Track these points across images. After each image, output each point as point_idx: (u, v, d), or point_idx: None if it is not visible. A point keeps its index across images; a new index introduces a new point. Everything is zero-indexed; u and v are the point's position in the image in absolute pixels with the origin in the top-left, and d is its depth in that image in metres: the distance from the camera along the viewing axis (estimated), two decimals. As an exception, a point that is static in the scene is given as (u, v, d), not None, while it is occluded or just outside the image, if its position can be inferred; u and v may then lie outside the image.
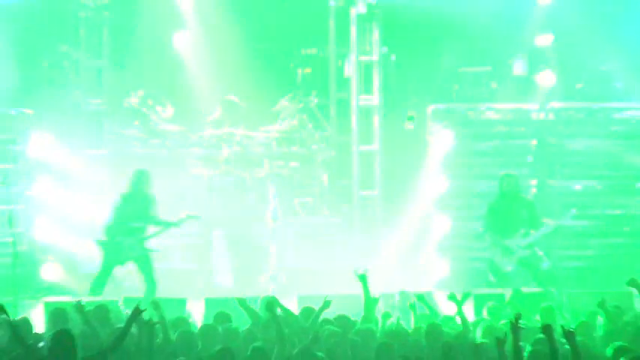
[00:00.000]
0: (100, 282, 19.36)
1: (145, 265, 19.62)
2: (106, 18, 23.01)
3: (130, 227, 19.66)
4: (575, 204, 21.17)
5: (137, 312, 12.64)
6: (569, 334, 12.46)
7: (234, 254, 22.07)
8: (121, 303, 17.61)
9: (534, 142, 22.26)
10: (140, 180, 19.96)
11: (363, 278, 15.27)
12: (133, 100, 23.10)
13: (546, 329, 12.78)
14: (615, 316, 15.49)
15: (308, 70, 23.83)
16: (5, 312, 13.08)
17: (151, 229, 19.60)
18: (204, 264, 22.21)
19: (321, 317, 14.70)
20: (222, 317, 14.82)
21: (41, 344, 13.31)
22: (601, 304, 15.58)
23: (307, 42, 23.86)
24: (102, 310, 15.52)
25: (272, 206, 21.44)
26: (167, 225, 19.75)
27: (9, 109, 22.22)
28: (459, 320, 15.03)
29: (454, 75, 23.14)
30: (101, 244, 19.56)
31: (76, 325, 14.65)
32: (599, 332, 15.09)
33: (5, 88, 22.26)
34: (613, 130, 22.40)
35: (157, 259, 20.49)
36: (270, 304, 14.77)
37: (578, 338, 13.69)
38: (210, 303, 17.30)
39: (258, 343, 13.33)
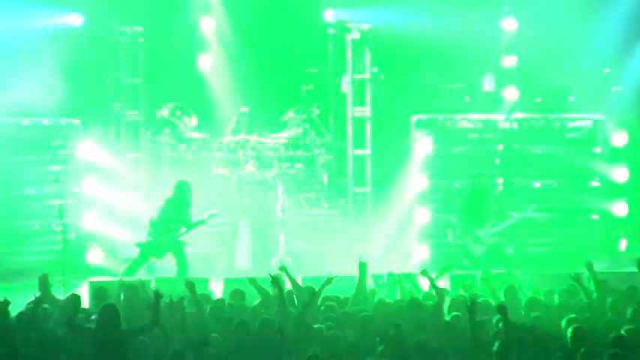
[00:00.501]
0: (134, 267, 19.54)
1: (179, 254, 19.78)
2: (141, 43, 23.26)
3: (169, 227, 19.78)
4: (535, 199, 21.61)
5: (158, 296, 12.90)
6: (501, 309, 12.67)
7: (251, 240, 22.18)
8: (153, 283, 17.50)
9: (500, 147, 22.50)
10: (182, 189, 20.09)
11: (363, 266, 15.37)
12: (164, 111, 23.39)
13: (501, 309, 12.91)
14: (601, 289, 15.55)
15: (311, 87, 24.04)
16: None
17: (183, 229, 19.73)
18: (225, 248, 22.34)
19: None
20: (237, 294, 15.10)
21: (93, 317, 13.64)
22: (577, 278, 15.58)
23: (310, 63, 24.15)
24: (133, 288, 15.76)
25: (281, 200, 21.81)
26: (196, 225, 19.90)
27: (59, 119, 22.50)
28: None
29: (434, 90, 23.29)
30: (140, 245, 19.78)
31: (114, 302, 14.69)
32: (555, 305, 15.15)
33: (56, 102, 22.28)
34: (567, 137, 22.66)
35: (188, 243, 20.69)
36: (282, 268, 15.52)
37: (536, 314, 14.19)
38: (228, 282, 17.38)
39: (266, 316, 13.55)
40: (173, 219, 19.96)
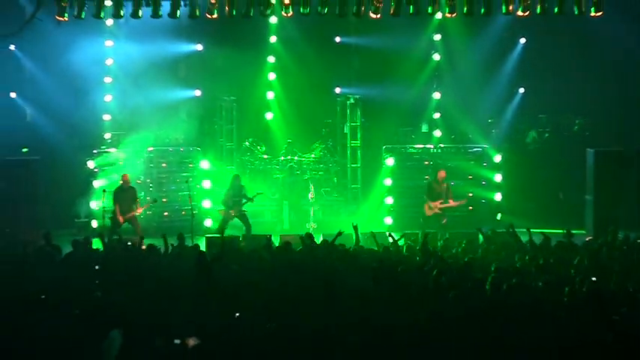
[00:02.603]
0: (221, 228, 19.74)
1: (244, 218, 20.11)
2: (235, 105, 23.49)
3: (233, 200, 20.13)
4: (452, 192, 21.33)
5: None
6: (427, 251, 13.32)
7: (293, 214, 22.40)
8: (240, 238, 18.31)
9: (432, 162, 22.72)
10: (234, 178, 20.55)
11: (355, 228, 16.05)
12: (247, 143, 23.85)
13: (424, 247, 13.92)
14: (488, 240, 16.31)
15: (327, 129, 24.34)
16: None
17: (243, 201, 20.13)
18: (277, 218, 22.62)
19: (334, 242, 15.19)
20: (287, 244, 15.45)
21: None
22: (479, 230, 16.73)
23: (327, 116, 24.25)
24: (229, 242, 16.62)
25: (311, 192, 22.15)
26: (251, 199, 20.22)
27: (190, 147, 22.86)
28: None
29: (395, 131, 23.64)
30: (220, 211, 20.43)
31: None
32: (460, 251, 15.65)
33: (188, 138, 23.16)
34: (468, 157, 22.81)
35: (256, 216, 21.27)
36: (309, 235, 15.93)
37: (449, 253, 15.07)
38: (282, 237, 17.91)
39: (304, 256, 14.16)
40: (233, 196, 20.15)
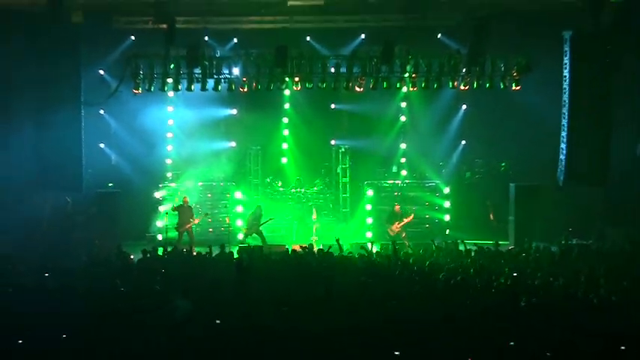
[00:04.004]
0: (244, 240, 20.22)
1: (260, 234, 20.39)
2: (260, 153, 23.57)
3: (253, 223, 20.44)
4: (416, 213, 21.58)
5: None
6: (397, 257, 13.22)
7: (301, 229, 22.25)
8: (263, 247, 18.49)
9: (400, 193, 22.71)
10: (258, 208, 20.93)
11: (338, 241, 16.17)
12: (268, 180, 23.71)
13: (394, 254, 13.82)
14: (439, 249, 16.46)
15: (325, 170, 24.13)
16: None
17: (260, 222, 20.42)
18: (288, 234, 22.24)
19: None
20: (295, 252, 15.79)
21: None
22: (432, 242, 16.82)
23: (325, 160, 24.09)
24: (255, 249, 16.83)
25: (314, 214, 21.97)
26: (266, 222, 20.53)
27: (228, 182, 22.87)
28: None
29: (373, 171, 23.50)
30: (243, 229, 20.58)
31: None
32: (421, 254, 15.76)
33: (226, 175, 23.13)
34: (425, 189, 22.72)
35: (273, 231, 21.19)
36: (311, 245, 16.29)
37: (413, 259, 14.97)
38: (292, 247, 18.00)
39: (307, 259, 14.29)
40: (253, 220, 20.61)
